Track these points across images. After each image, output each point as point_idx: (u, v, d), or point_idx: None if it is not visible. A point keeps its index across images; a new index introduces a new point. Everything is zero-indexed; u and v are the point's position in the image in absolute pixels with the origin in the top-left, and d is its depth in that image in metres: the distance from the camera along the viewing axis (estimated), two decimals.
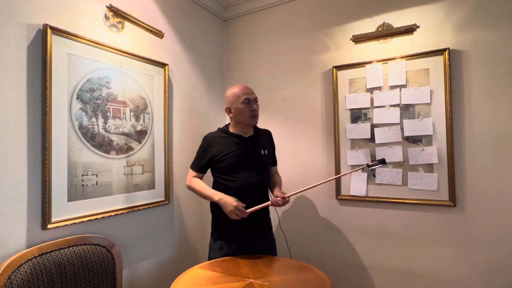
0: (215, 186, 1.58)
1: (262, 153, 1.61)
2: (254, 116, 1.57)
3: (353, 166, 1.88)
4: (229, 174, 1.53)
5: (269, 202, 1.48)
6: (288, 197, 1.50)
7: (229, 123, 1.65)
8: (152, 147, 1.74)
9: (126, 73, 1.60)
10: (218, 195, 1.46)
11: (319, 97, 2.02)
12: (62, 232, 1.30)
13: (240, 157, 1.53)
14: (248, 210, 1.42)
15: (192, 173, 1.62)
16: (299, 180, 2.06)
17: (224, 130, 1.62)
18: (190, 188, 1.60)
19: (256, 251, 1.56)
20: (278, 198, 1.48)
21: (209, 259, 1.56)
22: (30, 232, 1.21)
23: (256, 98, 1.59)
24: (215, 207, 1.55)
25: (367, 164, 1.59)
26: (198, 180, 1.59)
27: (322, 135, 2.00)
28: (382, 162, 1.57)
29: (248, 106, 1.54)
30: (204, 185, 1.55)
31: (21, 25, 1.20)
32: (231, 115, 1.58)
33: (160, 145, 1.80)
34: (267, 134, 1.73)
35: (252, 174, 1.55)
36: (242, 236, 1.53)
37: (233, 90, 1.58)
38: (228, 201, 1.41)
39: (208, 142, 1.59)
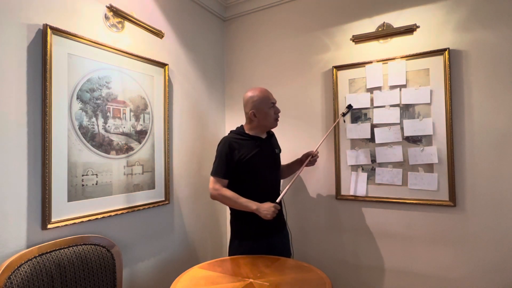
0: (234, 189, 1.53)
1: (277, 152, 1.69)
2: (278, 119, 1.63)
3: (353, 166, 1.88)
4: (253, 176, 1.55)
5: (298, 173, 1.64)
6: (316, 152, 1.71)
7: (241, 126, 1.65)
8: (152, 147, 1.74)
9: (126, 73, 1.60)
10: (254, 204, 1.46)
11: (319, 97, 2.02)
12: (62, 232, 1.30)
13: (263, 158, 1.57)
14: (277, 200, 1.52)
15: (217, 181, 1.52)
16: (299, 179, 2.06)
17: (241, 133, 1.60)
18: (220, 198, 1.52)
19: (278, 244, 1.60)
20: (310, 157, 1.66)
21: None
22: (30, 232, 1.21)
23: (276, 101, 1.63)
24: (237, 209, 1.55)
25: (342, 113, 1.82)
26: (226, 189, 1.52)
27: (322, 135, 2.00)
28: (350, 107, 1.81)
29: (273, 110, 1.59)
30: (236, 194, 1.49)
31: (21, 25, 1.20)
32: (255, 119, 1.57)
33: (160, 145, 1.79)
34: (274, 134, 1.79)
35: (272, 173, 1.63)
36: (266, 233, 1.56)
37: (258, 94, 1.57)
38: (265, 206, 1.45)
39: (230, 146, 1.53)
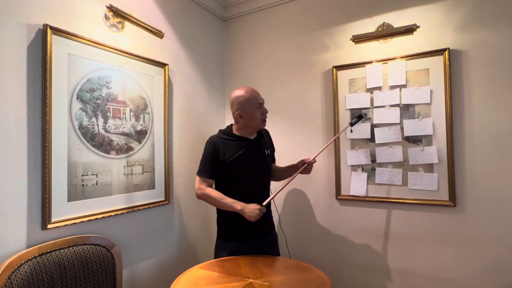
0: (220, 190, 1.54)
1: (266, 153, 1.65)
2: (265, 120, 1.58)
3: (353, 166, 1.88)
4: (237, 177, 1.53)
5: (291, 179, 1.57)
6: (313, 161, 1.61)
7: (231, 125, 1.64)
8: (152, 147, 1.74)
9: (126, 73, 1.60)
10: (239, 205, 1.44)
11: (319, 97, 2.02)
12: (62, 232, 1.30)
13: (249, 160, 1.54)
14: (264, 203, 1.47)
15: (202, 180, 1.52)
16: (299, 179, 2.06)
17: (228, 133, 1.58)
18: (205, 198, 1.51)
19: (263, 247, 1.58)
20: (306, 165, 1.58)
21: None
22: (30, 232, 1.21)
23: (263, 100, 1.59)
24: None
25: (350, 123, 1.78)
26: (211, 189, 1.52)
27: (322, 135, 2.00)
28: (360, 117, 1.76)
29: (259, 110, 1.54)
30: (221, 194, 1.48)
31: (21, 25, 1.20)
32: (241, 120, 1.54)
33: (160, 145, 1.79)
34: (267, 134, 1.75)
35: (259, 175, 1.59)
36: (251, 235, 1.55)
37: (243, 95, 1.53)
38: (250, 207, 1.42)
39: (215, 145, 1.53)
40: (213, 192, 1.50)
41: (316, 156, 1.62)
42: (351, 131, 1.86)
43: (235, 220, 1.50)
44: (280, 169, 1.77)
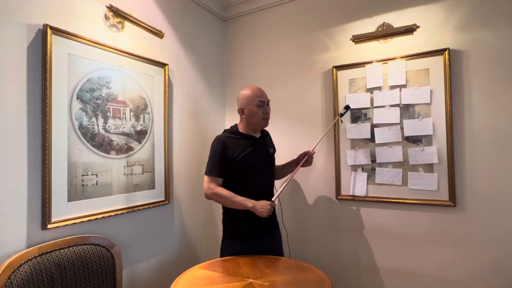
0: (228, 188, 1.53)
1: (270, 151, 1.69)
2: (266, 119, 1.62)
3: (353, 166, 1.88)
4: (246, 175, 1.55)
5: (295, 171, 1.65)
6: (313, 152, 1.72)
7: (235, 125, 1.66)
8: (152, 147, 1.74)
9: (126, 73, 1.60)
10: (250, 202, 1.46)
11: (319, 97, 2.02)
12: (62, 232, 1.30)
13: (256, 157, 1.57)
14: (273, 198, 1.53)
15: (212, 179, 1.50)
16: (299, 179, 2.06)
17: (235, 132, 1.61)
18: (215, 197, 1.50)
19: (269, 245, 1.59)
20: (307, 157, 1.67)
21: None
22: (30, 232, 1.21)
23: (268, 100, 1.63)
24: (229, 209, 1.55)
25: (340, 114, 1.82)
26: (222, 188, 1.50)
27: (322, 135, 1.99)
28: (347, 107, 1.81)
29: (261, 109, 1.58)
30: (232, 193, 1.48)
31: (21, 25, 1.20)
32: (243, 117, 1.59)
33: (160, 145, 1.79)
34: (268, 134, 1.79)
35: (265, 172, 1.63)
36: (258, 233, 1.56)
37: (247, 92, 1.59)
38: (261, 203, 1.46)
39: (223, 144, 1.53)
40: (223, 191, 1.49)
41: (314, 148, 1.73)
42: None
43: (242, 219, 1.52)
44: (281, 166, 1.82)
